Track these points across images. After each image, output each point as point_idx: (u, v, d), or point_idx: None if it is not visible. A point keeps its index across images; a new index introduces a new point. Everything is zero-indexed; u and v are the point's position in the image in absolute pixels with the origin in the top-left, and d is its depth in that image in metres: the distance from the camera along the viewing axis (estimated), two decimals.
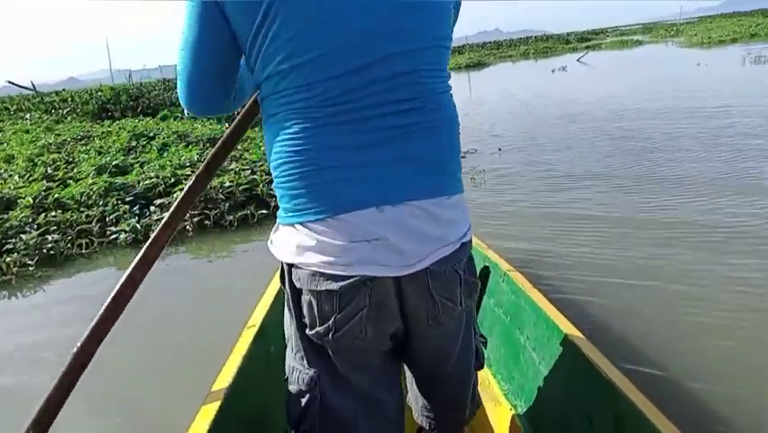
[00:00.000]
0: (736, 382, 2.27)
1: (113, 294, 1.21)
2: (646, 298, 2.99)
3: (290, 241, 1.00)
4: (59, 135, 9.45)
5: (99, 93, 17.73)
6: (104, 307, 1.20)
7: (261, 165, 5.97)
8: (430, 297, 1.01)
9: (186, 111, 1.16)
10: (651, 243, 3.67)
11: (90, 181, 5.52)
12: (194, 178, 1.38)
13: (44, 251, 4.50)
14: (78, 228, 4.78)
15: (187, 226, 4.81)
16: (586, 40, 47.03)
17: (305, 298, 1.02)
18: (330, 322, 1.00)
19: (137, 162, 6.54)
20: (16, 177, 6.26)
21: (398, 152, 0.95)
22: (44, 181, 5.96)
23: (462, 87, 17.28)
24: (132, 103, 16.81)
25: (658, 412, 1.16)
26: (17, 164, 6.84)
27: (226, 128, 8.02)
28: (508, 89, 15.12)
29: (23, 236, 4.54)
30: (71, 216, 4.90)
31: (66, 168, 6.50)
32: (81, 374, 1.16)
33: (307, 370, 1.08)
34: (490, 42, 47.30)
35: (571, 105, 10.52)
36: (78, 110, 16.45)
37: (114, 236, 4.67)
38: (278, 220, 1.05)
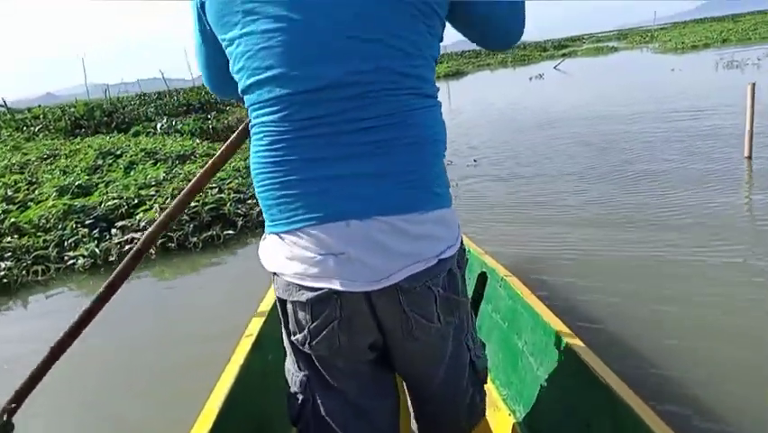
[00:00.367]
0: (735, 383, 2.26)
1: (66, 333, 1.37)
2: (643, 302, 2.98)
3: (270, 250, 1.04)
4: (25, 154, 9.19)
5: (72, 109, 17.42)
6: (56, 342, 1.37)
7: (230, 183, 5.80)
8: (402, 312, 1.01)
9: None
10: (635, 246, 3.70)
11: (50, 204, 5.31)
12: (175, 204, 1.43)
13: None
14: (35, 254, 4.56)
15: (150, 249, 4.62)
16: (563, 47, 47.49)
17: (288, 306, 1.05)
18: (305, 331, 1.03)
19: (102, 182, 6.34)
20: None
21: (368, 167, 0.95)
22: (3, 204, 5.75)
23: (441, 97, 16.58)
24: (105, 118, 16.53)
25: (656, 417, 1.16)
26: None
27: (197, 144, 7.77)
28: (486, 98, 15.09)
29: None
30: (27, 241, 4.68)
31: (27, 189, 6.28)
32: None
33: (298, 373, 1.13)
34: (469, 51, 47.61)
35: (547, 113, 10.48)
36: (51, 127, 16.10)
37: (71, 262, 4.47)
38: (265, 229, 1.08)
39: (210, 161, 1.48)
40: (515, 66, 32.26)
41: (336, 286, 0.96)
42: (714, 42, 28.14)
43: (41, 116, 17.69)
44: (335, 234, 0.95)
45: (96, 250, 4.46)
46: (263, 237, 1.08)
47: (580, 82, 17.84)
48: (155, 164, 7.05)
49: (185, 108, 20.43)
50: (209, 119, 13.40)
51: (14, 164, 7.68)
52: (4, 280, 4.29)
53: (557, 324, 1.62)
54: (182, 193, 1.46)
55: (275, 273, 1.05)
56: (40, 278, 4.40)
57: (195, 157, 7.61)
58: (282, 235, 0.99)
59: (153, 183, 5.80)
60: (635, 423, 1.17)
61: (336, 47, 0.92)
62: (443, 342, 1.12)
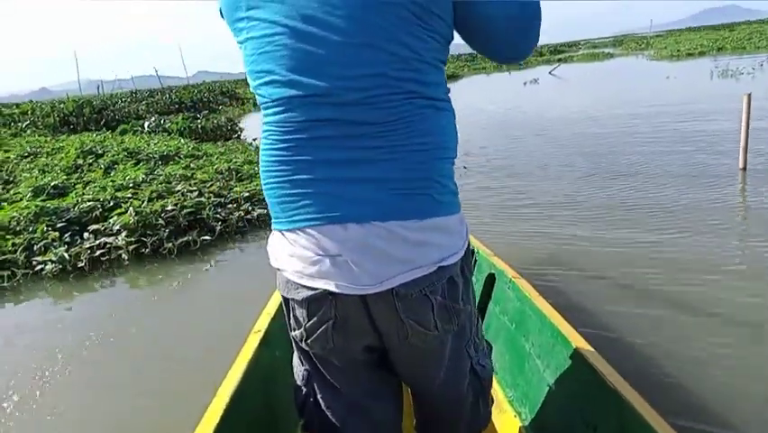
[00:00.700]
0: (744, 388, 2.25)
1: None
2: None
3: (273, 246, 1.06)
4: (6, 152, 8.97)
5: (62, 105, 17.13)
6: None
7: (211, 186, 5.63)
8: (398, 318, 1.00)
9: None
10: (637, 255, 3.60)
11: (23, 205, 5.11)
12: None
13: None
14: (2, 258, 4.37)
15: (122, 254, 4.44)
16: (559, 52, 47.50)
17: (289, 302, 1.07)
18: (302, 329, 1.05)
19: (80, 182, 6.15)
20: None
21: (369, 172, 0.95)
22: None
23: None
24: (95, 115, 16.32)
25: (663, 422, 1.15)
26: None
27: (182, 145, 7.54)
28: (480, 103, 14.95)
29: None
30: None
31: (2, 189, 6.08)
32: None
33: (301, 367, 1.18)
34: (465, 54, 47.54)
35: (541, 120, 10.36)
36: (39, 123, 15.87)
37: (39, 267, 4.27)
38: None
39: None
40: (510, 70, 32.17)
41: (331, 287, 0.97)
42: (709, 51, 28.16)
43: (30, 112, 17.42)
44: (333, 236, 0.96)
45: (66, 255, 4.26)
46: (271, 234, 1.10)
47: (575, 88, 17.74)
48: (137, 165, 6.85)
49: (177, 106, 20.25)
50: (198, 118, 13.19)
51: None
52: None
53: (565, 326, 1.61)
54: None
55: (278, 269, 1.06)
56: (6, 284, 4.20)
57: (179, 158, 7.41)
58: (284, 233, 1.01)
59: (131, 185, 5.61)
60: (641, 427, 1.16)
61: (331, 52, 0.93)
62: (441, 348, 1.11)
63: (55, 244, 4.47)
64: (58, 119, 15.75)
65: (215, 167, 6.43)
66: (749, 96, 5.12)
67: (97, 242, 4.45)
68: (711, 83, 14.15)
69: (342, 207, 0.95)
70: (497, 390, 1.84)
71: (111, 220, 4.71)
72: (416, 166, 0.97)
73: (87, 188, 5.76)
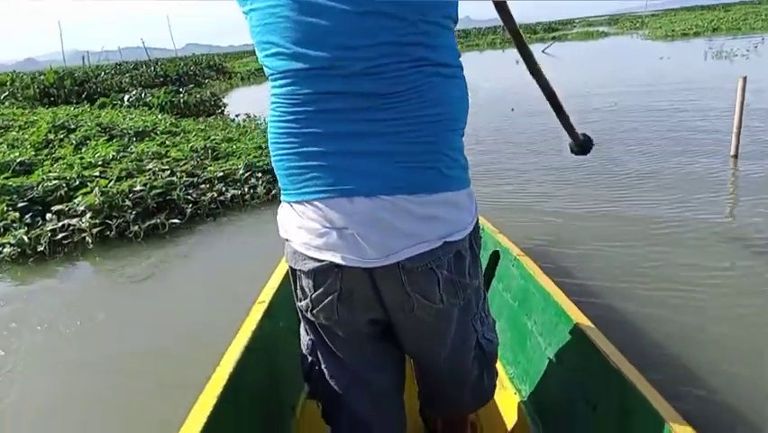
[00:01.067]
0: (745, 370, 2.25)
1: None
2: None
3: (282, 217, 1.07)
4: None
5: (42, 77, 16.65)
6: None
7: (184, 165, 5.39)
8: (404, 291, 1.01)
9: None
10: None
11: None
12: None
13: None
14: None
15: (86, 237, 4.23)
16: (553, 30, 46.97)
17: (296, 272, 1.07)
18: (308, 300, 1.06)
19: (49, 159, 5.88)
20: None
21: (377, 145, 0.94)
22: None
23: None
24: (77, 88, 15.90)
25: (665, 402, 1.15)
26: None
27: (160, 120, 7.26)
28: (472, 81, 14.69)
29: None
30: None
31: None
32: None
33: (306, 336, 1.20)
34: (459, 31, 46.84)
35: (531, 99, 10.13)
36: (19, 95, 15.42)
37: None
38: None
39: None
40: (504, 48, 31.74)
41: (338, 260, 0.98)
42: (704, 31, 27.82)
43: (9, 83, 16.91)
44: (339, 209, 0.96)
45: (25, 238, 4.04)
46: (281, 206, 1.09)
47: (568, 66, 17.44)
48: (110, 141, 6.57)
49: (161, 80, 19.78)
50: (181, 92, 12.83)
51: None
52: None
53: (568, 305, 1.61)
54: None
55: (286, 240, 1.07)
56: None
57: (155, 134, 7.15)
58: (293, 205, 1.02)
59: (100, 163, 5.36)
60: (642, 407, 1.16)
61: (335, 23, 0.91)
62: (447, 322, 1.11)
63: (15, 225, 4.24)
64: (38, 91, 15.31)
65: (191, 145, 6.18)
66: (744, 79, 4.91)
67: (60, 224, 4.23)
68: (705, 64, 13.94)
69: (350, 180, 0.95)
70: (498, 367, 1.83)
71: (76, 201, 4.48)
72: (425, 138, 0.96)
73: (55, 165, 5.51)
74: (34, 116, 9.34)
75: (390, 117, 0.94)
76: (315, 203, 0.98)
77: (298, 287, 1.09)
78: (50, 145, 6.58)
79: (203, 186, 5.03)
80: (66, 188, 4.74)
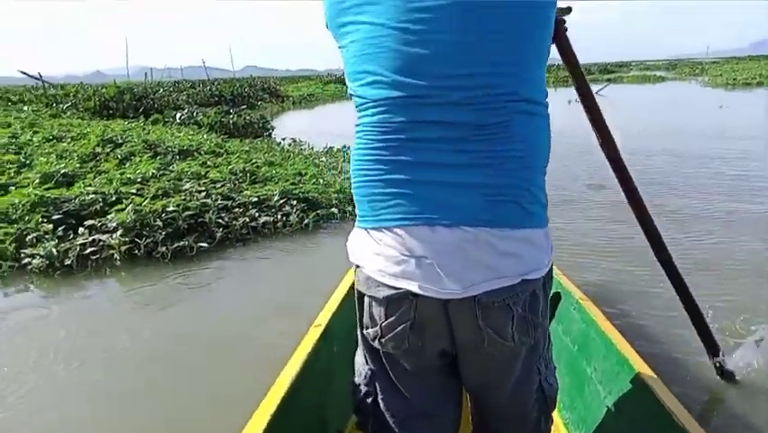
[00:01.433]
0: None
1: None
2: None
3: (356, 243, 1.07)
4: (36, 133, 8.93)
5: (103, 90, 17.31)
6: None
7: (221, 187, 5.36)
8: (476, 326, 0.99)
9: None
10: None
11: (25, 192, 4.93)
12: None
13: None
14: None
15: (115, 254, 4.20)
16: (608, 72, 46.32)
17: (365, 299, 1.06)
18: (378, 327, 1.04)
19: (93, 172, 5.97)
20: None
21: (462, 176, 0.95)
22: None
23: None
24: (135, 102, 16.42)
25: None
26: None
27: (205, 140, 7.30)
28: None
29: None
30: None
31: (14, 172, 5.93)
32: None
33: (365, 366, 1.16)
34: None
35: (584, 139, 9.85)
36: (80, 106, 16.05)
37: (26, 260, 4.06)
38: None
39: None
40: (556, 87, 31.43)
41: (414, 288, 0.97)
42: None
43: (72, 95, 17.65)
44: (420, 237, 0.96)
45: (54, 251, 4.03)
46: (353, 231, 1.10)
47: (621, 109, 17.03)
48: (153, 157, 6.65)
49: (216, 99, 20.32)
50: (231, 113, 13.06)
51: (12, 143, 7.36)
52: None
53: (630, 353, 1.58)
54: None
55: (357, 266, 1.07)
56: None
57: (198, 153, 7.20)
58: (369, 231, 1.02)
59: (139, 179, 5.38)
60: None
61: (434, 53, 0.93)
62: (514, 361, 1.09)
63: (47, 236, 4.25)
64: (98, 103, 15.89)
65: (231, 167, 6.18)
66: None
67: (90, 239, 4.22)
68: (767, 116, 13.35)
69: (432, 209, 0.95)
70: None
71: (109, 216, 4.48)
72: (510, 173, 0.96)
73: (97, 179, 5.57)
74: (88, 128, 9.62)
75: (479, 149, 0.94)
76: (395, 230, 0.97)
77: (367, 314, 1.06)
78: (97, 158, 6.69)
79: (236, 210, 4.97)
80: (102, 203, 4.76)
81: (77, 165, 6.12)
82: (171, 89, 21.79)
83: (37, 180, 5.43)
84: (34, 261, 4.01)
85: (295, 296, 3.59)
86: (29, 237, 4.27)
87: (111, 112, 15.51)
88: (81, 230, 4.35)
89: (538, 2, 0.97)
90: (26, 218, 4.50)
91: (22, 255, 4.10)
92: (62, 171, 5.64)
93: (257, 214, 4.95)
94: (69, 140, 8.12)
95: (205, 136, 9.14)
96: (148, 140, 7.43)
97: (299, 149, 9.17)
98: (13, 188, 5.36)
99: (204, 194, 5.07)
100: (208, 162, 6.62)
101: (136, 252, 4.24)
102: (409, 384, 1.12)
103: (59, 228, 4.34)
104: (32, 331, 3.31)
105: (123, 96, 16.58)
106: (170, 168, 6.08)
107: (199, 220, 4.66)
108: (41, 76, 21.03)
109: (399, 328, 1.01)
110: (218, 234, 4.53)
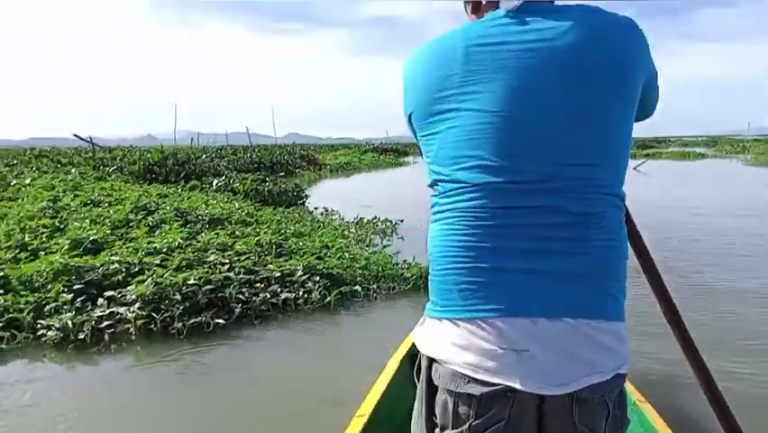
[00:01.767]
0: None
1: None
2: None
3: (436, 335, 1.01)
4: (77, 196, 9.16)
5: (148, 154, 17.92)
6: None
7: (245, 260, 5.28)
8: (571, 424, 0.95)
9: None
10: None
11: (51, 259, 4.95)
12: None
13: None
14: (9, 316, 4.12)
15: (130, 329, 4.10)
16: (647, 147, 46.05)
17: (440, 396, 1.00)
18: (464, 427, 0.97)
19: (123, 240, 6.00)
20: None
21: (559, 265, 0.93)
22: (16, 250, 5.47)
23: None
24: (177, 167, 16.90)
25: None
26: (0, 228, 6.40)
27: (237, 209, 7.28)
28: None
29: None
30: (8, 301, 4.26)
31: (46, 237, 6.01)
32: None
33: None
34: None
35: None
36: (125, 169, 16.58)
37: (41, 332, 3.99)
38: (425, 312, 1.06)
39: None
40: None
41: (516, 384, 0.92)
42: None
43: (119, 158, 18.32)
44: (521, 329, 0.92)
45: (70, 323, 3.96)
46: (421, 321, 1.07)
47: (660, 187, 16.69)
48: (183, 226, 6.68)
49: (255, 166, 20.82)
50: (266, 181, 13.27)
51: (49, 207, 7.52)
52: None
53: None
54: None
55: (434, 361, 1.01)
56: (5, 346, 3.93)
57: (228, 223, 7.22)
58: (458, 322, 0.97)
59: (165, 250, 5.36)
60: None
61: (539, 141, 0.94)
62: None
63: (65, 307, 4.20)
64: (142, 167, 16.40)
65: (258, 238, 6.13)
66: None
67: (108, 311, 4.14)
68: None
69: (531, 300, 0.93)
70: None
71: (129, 288, 4.43)
72: (604, 264, 0.96)
73: (124, 247, 5.58)
74: (127, 193, 9.84)
75: (576, 237, 0.94)
76: (491, 321, 0.93)
77: (447, 413, 0.99)
78: (129, 225, 6.76)
79: (258, 284, 4.86)
80: (124, 274, 4.72)
81: (108, 231, 6.17)
82: (213, 155, 22.46)
83: (66, 246, 5.46)
84: (49, 333, 3.94)
85: (313, 382, 3.45)
86: (47, 307, 4.22)
87: (154, 176, 15.95)
88: (100, 301, 4.29)
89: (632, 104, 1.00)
90: (48, 287, 4.48)
91: (39, 326, 4.03)
92: (91, 238, 5.68)
93: (279, 289, 4.83)
94: (107, 205, 8.28)
95: (237, 204, 9.22)
96: (180, 207, 7.50)
97: (330, 219, 9.15)
98: (43, 253, 5.41)
99: (227, 267, 4.99)
100: (236, 232, 6.60)
101: (152, 326, 4.13)
102: None
103: (79, 299, 4.28)
104: (43, 405, 3.21)
105: (167, 160, 17.09)
106: (198, 237, 6.07)
107: (219, 295, 4.55)
108: (91, 139, 22.01)
109: (491, 428, 0.95)
110: (237, 310, 4.41)
